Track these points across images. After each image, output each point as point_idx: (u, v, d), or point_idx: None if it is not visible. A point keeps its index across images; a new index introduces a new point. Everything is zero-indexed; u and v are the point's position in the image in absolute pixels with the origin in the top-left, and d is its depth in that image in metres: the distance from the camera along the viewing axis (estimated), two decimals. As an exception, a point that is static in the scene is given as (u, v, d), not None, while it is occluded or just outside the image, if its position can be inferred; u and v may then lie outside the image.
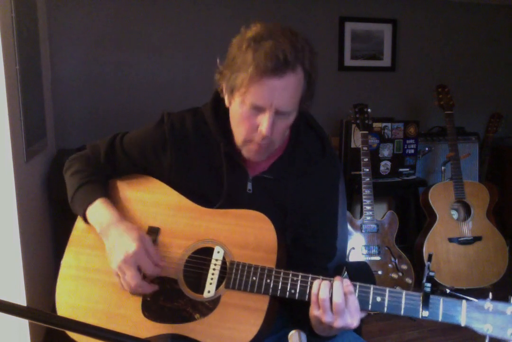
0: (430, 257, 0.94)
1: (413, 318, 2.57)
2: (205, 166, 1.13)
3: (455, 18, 3.65)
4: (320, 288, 0.93)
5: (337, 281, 0.93)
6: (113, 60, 2.95)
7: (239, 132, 1.04)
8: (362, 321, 1.26)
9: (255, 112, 0.99)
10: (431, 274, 0.89)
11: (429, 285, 0.89)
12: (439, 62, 3.65)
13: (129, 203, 1.18)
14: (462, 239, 2.73)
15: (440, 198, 2.77)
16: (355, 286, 0.94)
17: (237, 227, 1.07)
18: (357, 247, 2.61)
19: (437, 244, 2.71)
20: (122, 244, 1.04)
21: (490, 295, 0.90)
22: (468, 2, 3.63)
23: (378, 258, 2.61)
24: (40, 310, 0.69)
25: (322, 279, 0.95)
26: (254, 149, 1.05)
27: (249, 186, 1.12)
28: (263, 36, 0.94)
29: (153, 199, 1.16)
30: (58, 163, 2.34)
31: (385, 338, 2.41)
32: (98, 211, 1.12)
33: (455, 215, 2.82)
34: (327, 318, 0.92)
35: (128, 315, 1.08)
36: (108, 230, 1.09)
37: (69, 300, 1.14)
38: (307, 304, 0.96)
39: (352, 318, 0.91)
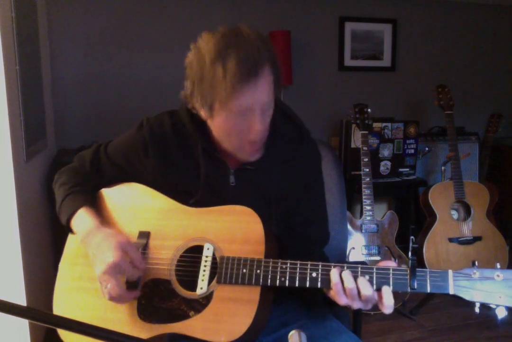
0: (412, 231, 0.98)
1: (413, 318, 2.59)
2: (186, 164, 1.15)
3: (455, 18, 3.65)
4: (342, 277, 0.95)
5: (347, 271, 0.95)
6: (113, 60, 2.95)
7: (231, 141, 1.06)
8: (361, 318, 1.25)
9: (242, 119, 1.01)
10: (414, 246, 0.92)
11: (414, 258, 0.93)
12: (439, 62, 3.65)
13: (119, 210, 1.19)
14: (462, 239, 2.73)
15: (440, 198, 2.77)
16: (342, 267, 0.96)
17: (225, 222, 1.08)
18: (357, 247, 2.61)
19: (437, 244, 2.71)
20: (102, 253, 1.04)
21: (476, 263, 0.91)
22: (468, 2, 3.63)
23: (378, 258, 2.61)
24: (40, 310, 0.69)
25: (334, 266, 0.97)
26: (250, 150, 1.08)
27: (232, 179, 1.14)
28: (221, 50, 0.96)
29: (141, 205, 1.17)
30: (58, 164, 2.34)
31: (385, 338, 2.41)
32: (80, 219, 1.13)
33: (455, 215, 2.81)
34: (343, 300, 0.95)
35: (125, 319, 1.08)
36: (88, 237, 1.09)
37: (66, 311, 1.14)
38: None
39: (366, 305, 0.95)
